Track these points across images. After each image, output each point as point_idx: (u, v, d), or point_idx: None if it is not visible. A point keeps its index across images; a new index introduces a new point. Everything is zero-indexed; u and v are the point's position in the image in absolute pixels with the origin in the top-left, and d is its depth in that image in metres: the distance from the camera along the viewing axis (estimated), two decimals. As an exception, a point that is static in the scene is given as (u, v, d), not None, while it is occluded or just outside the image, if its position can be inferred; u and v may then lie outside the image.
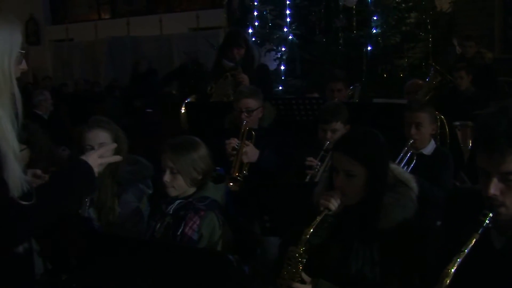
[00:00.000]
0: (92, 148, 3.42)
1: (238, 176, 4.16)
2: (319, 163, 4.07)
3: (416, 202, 2.55)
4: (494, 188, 1.97)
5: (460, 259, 1.94)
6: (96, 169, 2.29)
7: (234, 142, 4.26)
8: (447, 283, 1.92)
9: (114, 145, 2.60)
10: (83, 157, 2.27)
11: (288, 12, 7.79)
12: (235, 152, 4.23)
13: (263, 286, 3.09)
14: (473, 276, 2.03)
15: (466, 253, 1.94)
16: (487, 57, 7.95)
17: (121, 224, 3.39)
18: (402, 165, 3.92)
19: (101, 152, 2.35)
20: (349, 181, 2.46)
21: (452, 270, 1.93)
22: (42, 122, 7.03)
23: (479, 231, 1.96)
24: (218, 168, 3.44)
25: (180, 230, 2.96)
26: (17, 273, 2.18)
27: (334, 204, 2.43)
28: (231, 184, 4.06)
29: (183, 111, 5.73)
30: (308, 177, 4.03)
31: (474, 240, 1.96)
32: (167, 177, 3.02)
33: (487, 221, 1.97)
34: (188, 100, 6.03)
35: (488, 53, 8.09)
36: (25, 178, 2.11)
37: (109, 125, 3.54)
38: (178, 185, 3.04)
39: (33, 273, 2.35)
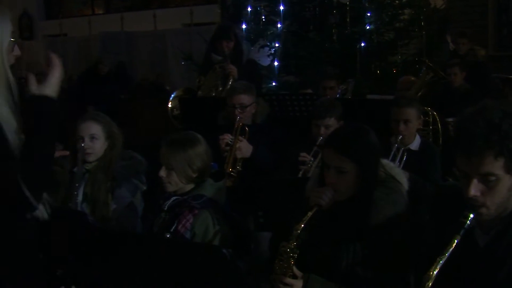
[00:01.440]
0: (82, 139, 3.44)
1: (232, 172, 4.18)
2: (312, 159, 4.08)
3: (406, 197, 2.56)
4: (474, 189, 1.99)
5: (442, 261, 1.95)
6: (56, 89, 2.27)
7: (227, 138, 4.27)
8: (429, 286, 1.93)
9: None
10: (41, 92, 2.23)
11: (282, 8, 7.78)
12: (228, 147, 4.24)
13: (257, 281, 3.10)
14: (457, 274, 2.05)
15: (447, 256, 1.95)
16: (479, 54, 7.97)
17: (115, 218, 3.40)
18: (396, 161, 3.94)
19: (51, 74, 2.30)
20: (340, 177, 2.48)
21: (434, 273, 1.94)
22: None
23: (460, 233, 1.98)
24: (212, 163, 3.44)
25: (173, 228, 2.94)
26: (23, 250, 2.21)
27: (325, 200, 2.44)
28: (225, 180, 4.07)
29: (170, 106, 5.76)
30: (301, 172, 4.05)
31: (455, 242, 1.97)
32: (162, 172, 3.01)
33: (468, 222, 1.99)
34: (174, 94, 6.02)
35: (481, 50, 8.10)
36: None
37: (104, 119, 3.56)
38: (173, 181, 3.02)
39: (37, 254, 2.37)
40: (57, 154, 3.38)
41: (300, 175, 4.01)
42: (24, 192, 2.05)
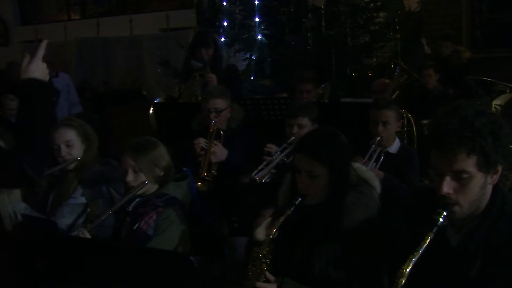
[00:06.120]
0: (59, 148, 3.40)
1: (206, 176, 4.16)
2: (279, 151, 4.07)
3: (378, 200, 2.57)
4: (447, 186, 2.00)
5: (415, 259, 1.95)
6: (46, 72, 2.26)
7: (202, 142, 4.26)
8: (402, 283, 1.93)
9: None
10: (30, 76, 2.22)
11: (257, 12, 7.80)
12: (203, 152, 4.22)
13: (231, 286, 3.08)
14: (429, 273, 2.07)
15: (420, 253, 1.96)
16: (464, 57, 7.98)
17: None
18: (372, 162, 3.94)
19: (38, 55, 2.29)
20: (311, 181, 2.48)
21: (407, 270, 1.94)
22: (9, 125, 6.93)
23: (434, 230, 1.99)
24: (185, 168, 3.42)
25: (136, 226, 2.95)
26: None
27: (260, 233, 2.47)
28: (200, 184, 4.06)
29: (151, 111, 5.72)
30: (264, 163, 4.02)
31: (429, 239, 1.98)
32: (130, 177, 3.03)
33: (441, 219, 2.00)
34: (157, 100, 6.01)
35: (465, 52, 8.10)
36: None
37: (76, 123, 3.53)
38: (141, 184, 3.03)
39: None
40: None
41: (262, 166, 3.99)
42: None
